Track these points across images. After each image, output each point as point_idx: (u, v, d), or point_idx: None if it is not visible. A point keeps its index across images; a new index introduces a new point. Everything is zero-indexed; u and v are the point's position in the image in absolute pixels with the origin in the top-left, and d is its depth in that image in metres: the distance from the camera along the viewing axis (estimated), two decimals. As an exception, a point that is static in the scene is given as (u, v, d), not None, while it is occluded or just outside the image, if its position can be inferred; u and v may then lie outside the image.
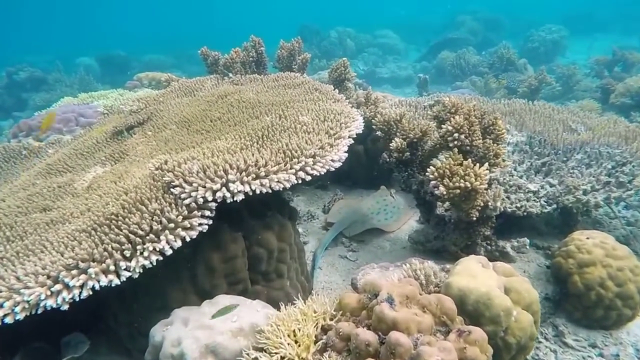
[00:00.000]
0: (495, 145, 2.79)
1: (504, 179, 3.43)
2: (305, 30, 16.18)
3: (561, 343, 2.75)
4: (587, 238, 2.91)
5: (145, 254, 2.04)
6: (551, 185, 3.42)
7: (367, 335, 1.65)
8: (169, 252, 2.09)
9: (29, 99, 11.43)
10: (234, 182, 2.22)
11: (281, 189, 2.30)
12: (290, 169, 2.38)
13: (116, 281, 1.96)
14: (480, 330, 1.69)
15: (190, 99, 4.06)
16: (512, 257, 3.07)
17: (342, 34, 17.32)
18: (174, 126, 3.48)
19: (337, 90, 3.75)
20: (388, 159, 3.37)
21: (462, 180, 2.49)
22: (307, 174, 2.41)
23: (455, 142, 2.70)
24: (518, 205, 3.10)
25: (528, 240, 3.07)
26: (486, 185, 2.52)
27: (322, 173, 2.47)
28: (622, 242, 2.98)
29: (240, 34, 4.88)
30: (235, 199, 2.22)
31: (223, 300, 2.19)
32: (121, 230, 2.10)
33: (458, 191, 2.50)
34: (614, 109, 6.45)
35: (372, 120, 3.70)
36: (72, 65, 14.83)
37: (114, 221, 2.17)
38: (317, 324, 1.89)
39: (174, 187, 2.29)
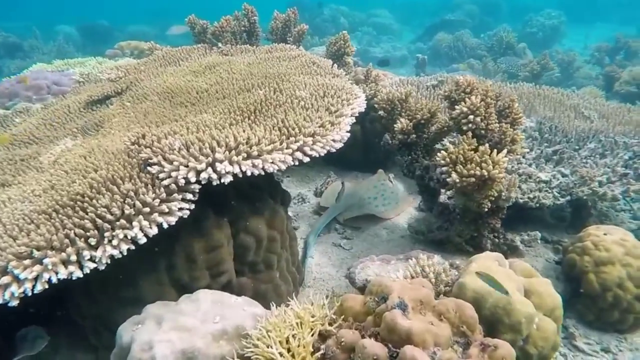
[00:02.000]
0: (512, 129, 2.52)
1: (512, 166, 3.18)
2: (297, 7, 15.56)
3: (571, 346, 2.55)
4: (605, 234, 2.69)
5: (115, 242, 1.73)
6: (563, 175, 3.18)
7: (375, 349, 1.39)
8: (143, 240, 1.79)
9: (3, 66, 10.78)
10: (221, 161, 1.91)
11: (275, 171, 2.00)
12: (287, 148, 2.07)
13: (78, 273, 1.66)
14: (508, 345, 1.44)
15: (175, 68, 3.70)
16: (521, 251, 2.85)
17: (336, 11, 16.76)
18: (156, 97, 3.12)
19: (335, 65, 3.42)
20: (390, 141, 3.08)
21: (477, 168, 2.22)
22: (306, 154, 2.11)
23: (470, 125, 2.43)
24: (530, 196, 2.86)
25: (539, 234, 2.85)
26: (504, 174, 2.26)
27: (322, 154, 2.18)
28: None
29: (229, 9, 4.49)
30: (222, 180, 1.92)
31: (204, 296, 1.90)
32: (87, 214, 1.79)
33: (473, 180, 2.23)
34: (618, 97, 6.23)
35: (374, 99, 3.40)
36: (50, 33, 14.04)
37: (79, 202, 1.85)
38: (313, 329, 1.62)
39: (151, 165, 1.97)
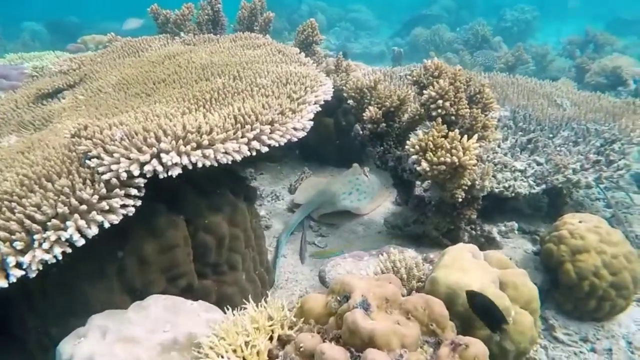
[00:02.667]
0: (483, 115, 2.41)
1: (488, 156, 3.08)
2: (274, 2, 15.35)
3: (551, 338, 2.47)
4: (580, 222, 2.60)
5: (46, 245, 1.54)
6: (538, 164, 3.10)
7: (335, 354, 1.24)
8: (81, 242, 1.60)
9: (-36, 66, 10.25)
10: (167, 152, 1.74)
11: (230, 162, 1.84)
12: (242, 137, 1.91)
13: (2, 283, 1.47)
14: (480, 343, 1.31)
15: (134, 59, 3.48)
16: (499, 243, 2.74)
17: (313, 7, 16.59)
18: (110, 89, 2.92)
19: (303, 54, 3.27)
20: (361, 132, 2.95)
21: (447, 155, 2.10)
22: (263, 144, 1.95)
23: (439, 111, 2.30)
24: (506, 185, 2.76)
25: (516, 225, 2.75)
26: (475, 161, 2.15)
27: (282, 144, 2.02)
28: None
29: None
30: (170, 173, 1.75)
31: (155, 302, 1.73)
32: (14, 214, 1.59)
33: (443, 167, 2.11)
34: (589, 88, 6.25)
35: (344, 87, 3.26)
36: (16, 31, 13.50)
37: (6, 202, 1.65)
38: (272, 334, 1.47)
39: (90, 158, 1.78)
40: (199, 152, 1.76)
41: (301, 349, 1.33)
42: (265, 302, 1.59)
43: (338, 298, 1.45)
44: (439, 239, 2.85)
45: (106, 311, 1.76)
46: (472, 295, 1.58)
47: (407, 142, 2.30)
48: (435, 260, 2.12)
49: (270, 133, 1.99)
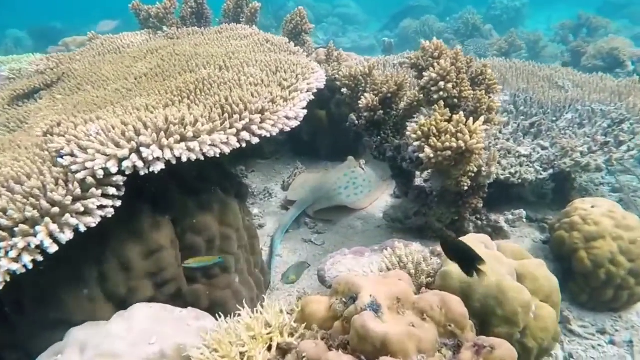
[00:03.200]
0: (487, 97, 2.26)
1: (490, 142, 2.94)
2: (263, 1, 15.12)
3: (566, 331, 2.33)
4: (593, 207, 2.47)
5: (13, 253, 1.37)
6: (543, 148, 2.96)
7: (343, 364, 1.09)
8: (54, 248, 1.44)
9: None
10: (148, 146, 1.57)
11: (218, 155, 1.67)
12: (230, 128, 1.75)
13: (-38, 298, 1.30)
14: (507, 345, 1.16)
15: (115, 56, 3.30)
16: (507, 232, 2.60)
17: (300, 3, 16.38)
18: (89, 86, 2.74)
19: (292, 44, 3.11)
20: (357, 121, 2.79)
21: (453, 139, 1.95)
22: (254, 134, 1.80)
23: (441, 94, 2.16)
24: (512, 171, 2.62)
25: (525, 213, 2.61)
26: (483, 145, 2.00)
27: (274, 134, 1.86)
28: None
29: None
30: (152, 169, 1.58)
31: (139, 312, 1.56)
32: (-25, 221, 1.42)
33: (449, 153, 1.96)
34: (585, 72, 6.15)
35: (336, 76, 3.10)
36: (0, 38, 13.21)
37: (-32, 208, 1.48)
38: (270, 343, 1.31)
39: (63, 156, 1.61)
40: (183, 145, 1.60)
41: (304, 359, 1.18)
42: (262, 306, 1.44)
43: (343, 299, 1.30)
44: (442, 230, 2.71)
45: (86, 323, 1.60)
46: (445, 241, 1.52)
47: (408, 128, 2.15)
48: (443, 254, 1.98)
49: (260, 123, 1.83)
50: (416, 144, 2.07)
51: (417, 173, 2.89)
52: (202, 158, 1.65)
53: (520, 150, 2.89)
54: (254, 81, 2.17)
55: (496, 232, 2.60)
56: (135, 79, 2.60)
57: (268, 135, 1.83)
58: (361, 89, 2.78)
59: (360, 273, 1.90)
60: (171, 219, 1.90)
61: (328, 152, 4.16)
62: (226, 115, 1.78)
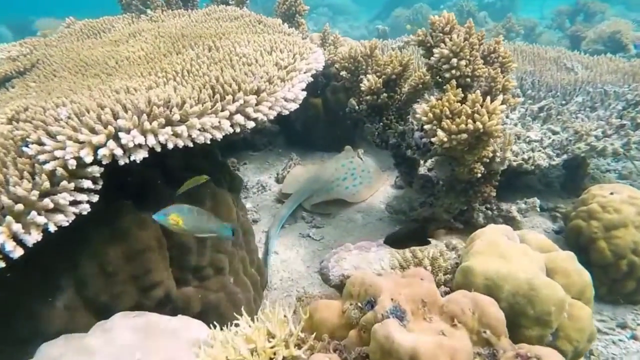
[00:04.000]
0: (502, 75, 2.08)
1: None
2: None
3: (586, 326, 2.17)
4: (612, 193, 2.32)
5: (-33, 259, 1.16)
6: (554, 133, 2.80)
7: (365, 384, 0.90)
8: (18, 252, 1.23)
9: None
10: (128, 130, 1.36)
11: (208, 142, 1.47)
12: (222, 110, 1.54)
13: None
14: (556, 355, 0.99)
15: (94, 41, 3.06)
16: (520, 222, 2.43)
17: (289, -5, 16.06)
18: (66, 72, 2.50)
19: (286, 25, 2.90)
20: (357, 107, 2.59)
21: (469, 121, 1.77)
22: (249, 118, 1.59)
23: (453, 72, 1.97)
24: (525, 157, 2.45)
25: (538, 201, 2.44)
26: (502, 126, 1.82)
27: (271, 117, 1.66)
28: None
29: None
30: (133, 158, 1.37)
31: (122, 322, 1.36)
32: None
33: (465, 136, 1.77)
34: (585, 57, 6.01)
35: (334, 58, 2.90)
36: (-22, 34, 12.74)
37: None
38: (274, 356, 1.12)
39: (28, 145, 1.40)
40: (168, 129, 1.39)
41: (316, 377, 0.99)
42: (263, 313, 1.24)
43: (359, 304, 1.11)
44: (450, 222, 2.54)
45: (61, 337, 1.40)
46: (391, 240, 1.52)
47: (418, 110, 1.96)
48: (459, 247, 1.80)
49: (256, 105, 1.63)
50: (427, 127, 1.88)
51: (421, 162, 2.72)
52: (191, 145, 1.44)
53: (531, 136, 2.73)
54: (247, 61, 1.96)
55: (508, 223, 2.42)
56: (116, 62, 2.38)
57: (265, 120, 1.63)
58: (362, 71, 2.58)
59: (370, 270, 1.72)
60: (157, 215, 1.69)
61: (324, 142, 3.96)
62: (217, 96, 1.57)
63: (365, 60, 2.54)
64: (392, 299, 1.05)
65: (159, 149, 1.40)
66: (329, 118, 3.79)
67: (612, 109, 2.85)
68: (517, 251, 1.46)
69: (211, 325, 1.32)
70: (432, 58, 2.05)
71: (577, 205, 2.42)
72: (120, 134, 1.34)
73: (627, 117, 2.75)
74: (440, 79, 2.12)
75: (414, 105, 2.65)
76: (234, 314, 1.43)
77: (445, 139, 1.80)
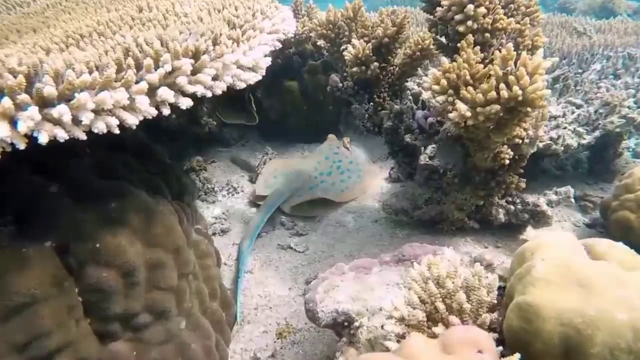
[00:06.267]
0: (530, 29, 1.58)
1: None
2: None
3: None
4: (664, 175, 1.86)
5: None
6: (577, 106, 2.32)
7: None
8: None
9: None
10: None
11: (117, 132, 0.92)
12: (138, 82, 0.99)
13: None
14: None
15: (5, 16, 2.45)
16: (549, 218, 1.94)
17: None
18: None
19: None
20: (341, 83, 2.06)
21: (502, 86, 1.25)
22: (182, 93, 1.04)
23: (469, 24, 1.45)
24: (553, 135, 1.96)
25: (572, 190, 1.95)
26: (549, 91, 1.32)
27: (218, 92, 1.11)
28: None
29: None
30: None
31: None
32: None
33: (496, 108, 1.26)
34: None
35: (310, 30, 2.35)
36: None
37: None
38: None
39: None
40: (32, 113, 0.83)
41: None
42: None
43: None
44: (463, 221, 2.04)
45: None
46: None
47: (427, 75, 1.43)
48: (495, 265, 1.30)
49: (193, 73, 1.07)
50: (440, 99, 1.36)
51: (422, 148, 2.21)
52: (81, 137, 0.89)
53: (551, 111, 2.24)
54: (187, 21, 1.41)
55: (536, 219, 1.94)
56: (17, 32, 1.79)
57: (207, 95, 1.08)
58: (344, 39, 2.05)
59: (376, 307, 1.20)
60: (55, 245, 1.13)
61: (303, 131, 3.42)
62: (130, 61, 1.01)
63: (347, 25, 2.00)
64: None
65: (22, 147, 0.84)
66: (308, 103, 3.26)
67: (641, 75, 2.39)
68: (602, 275, 0.96)
69: None
70: (438, 8, 1.52)
71: (618, 193, 1.95)
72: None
73: (663, 83, 2.30)
74: (446, 40, 1.60)
75: (409, 79, 2.14)
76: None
77: (469, 114, 1.28)
